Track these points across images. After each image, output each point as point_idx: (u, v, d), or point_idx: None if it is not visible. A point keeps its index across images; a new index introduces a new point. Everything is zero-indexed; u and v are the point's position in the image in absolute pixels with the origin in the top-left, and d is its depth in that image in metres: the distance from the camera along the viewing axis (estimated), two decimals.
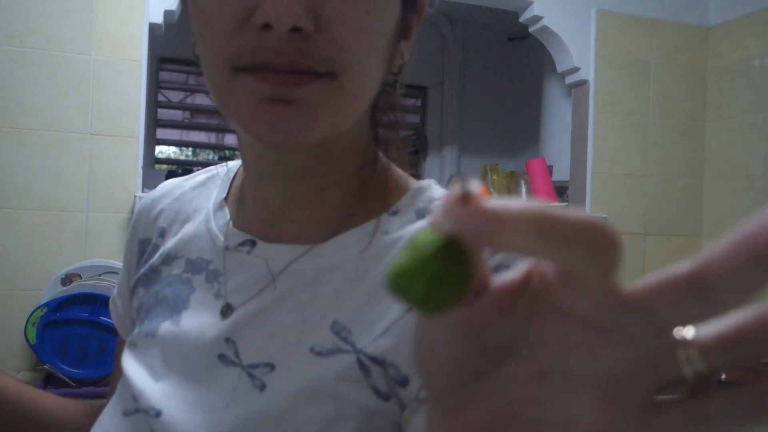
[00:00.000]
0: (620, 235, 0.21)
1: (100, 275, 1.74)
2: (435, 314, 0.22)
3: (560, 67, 2.36)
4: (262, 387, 0.51)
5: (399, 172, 0.61)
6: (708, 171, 2.47)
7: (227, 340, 0.54)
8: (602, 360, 0.23)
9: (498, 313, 0.24)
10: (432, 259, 0.22)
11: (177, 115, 2.82)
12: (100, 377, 1.56)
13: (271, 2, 0.43)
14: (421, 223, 0.54)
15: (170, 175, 2.12)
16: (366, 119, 0.57)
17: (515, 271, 0.25)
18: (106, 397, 1.49)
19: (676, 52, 2.43)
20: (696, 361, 0.25)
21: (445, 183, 2.47)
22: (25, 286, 1.75)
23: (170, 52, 2.64)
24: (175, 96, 2.79)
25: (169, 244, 0.63)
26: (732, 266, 0.20)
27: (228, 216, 0.61)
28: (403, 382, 0.49)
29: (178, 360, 0.55)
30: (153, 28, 1.87)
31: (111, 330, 1.57)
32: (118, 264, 1.78)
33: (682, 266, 0.21)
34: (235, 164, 0.67)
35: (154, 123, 2.68)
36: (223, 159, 3.02)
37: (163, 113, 2.76)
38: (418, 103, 3.07)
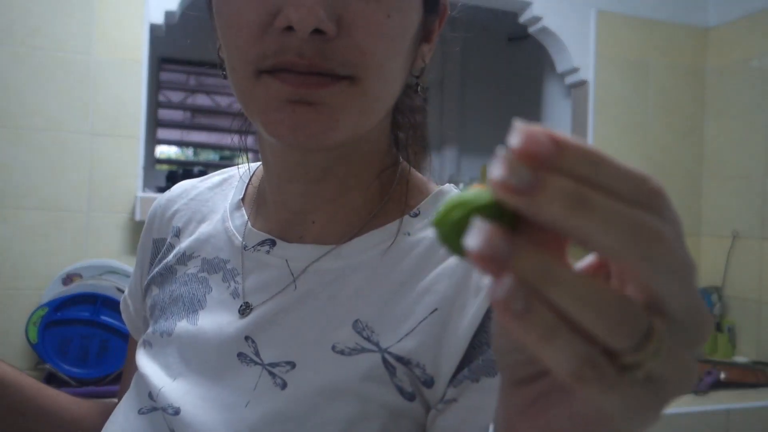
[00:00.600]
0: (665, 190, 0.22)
1: (101, 275, 1.75)
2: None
3: (560, 68, 2.36)
4: (284, 385, 0.51)
5: (419, 175, 0.61)
6: (707, 171, 2.47)
7: (247, 338, 0.54)
8: None
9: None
10: (485, 207, 0.24)
11: (177, 115, 2.82)
12: (100, 377, 1.57)
13: (294, 5, 0.44)
14: None
15: (171, 175, 2.12)
16: (387, 121, 0.58)
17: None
18: (106, 396, 1.50)
19: (676, 53, 2.44)
20: None
21: (445, 183, 2.46)
22: (25, 285, 1.75)
23: (171, 53, 2.64)
24: (176, 96, 2.79)
25: (184, 243, 0.64)
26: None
27: (245, 216, 0.62)
28: (429, 382, 0.49)
29: (195, 358, 0.56)
30: (154, 28, 1.88)
31: (112, 330, 1.57)
32: (119, 264, 1.78)
33: None
34: (252, 165, 0.67)
35: (154, 123, 2.68)
36: (224, 159, 3.02)
37: (164, 113, 2.76)
38: None
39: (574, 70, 2.32)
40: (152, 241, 0.68)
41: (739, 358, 2.23)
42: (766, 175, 2.23)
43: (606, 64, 2.33)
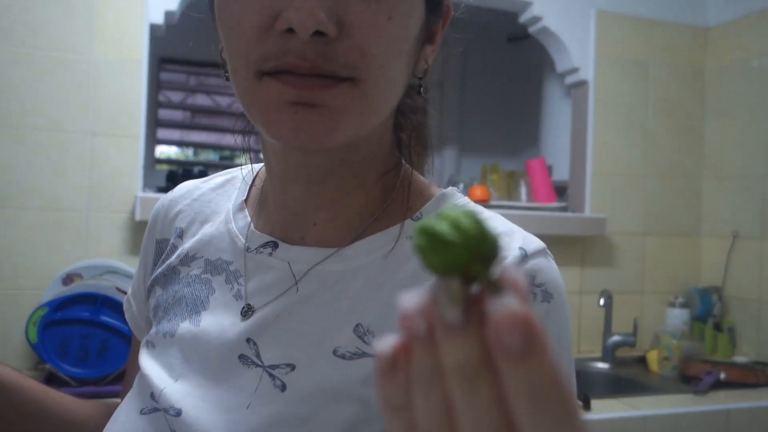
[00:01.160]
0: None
1: (101, 275, 1.75)
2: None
3: (560, 68, 2.36)
4: (283, 387, 0.51)
5: (421, 177, 0.61)
6: (707, 171, 2.47)
7: (248, 340, 0.54)
8: None
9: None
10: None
11: (177, 115, 2.82)
12: (100, 377, 1.57)
13: (294, 8, 0.44)
14: None
15: (171, 175, 2.12)
16: (389, 123, 0.58)
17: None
18: (106, 396, 1.50)
19: (676, 53, 2.44)
20: None
21: (445, 183, 2.48)
22: (26, 285, 1.75)
23: (171, 53, 2.64)
24: (176, 96, 2.79)
25: (187, 244, 0.64)
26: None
27: (248, 218, 0.62)
28: None
29: (197, 360, 0.56)
30: (154, 28, 1.88)
31: (112, 330, 1.57)
32: (119, 263, 1.78)
33: None
34: (255, 167, 0.67)
35: (154, 123, 2.68)
36: (224, 159, 3.02)
37: (164, 113, 2.77)
38: None
39: (574, 70, 2.33)
40: (155, 241, 0.69)
41: (739, 358, 2.23)
42: (766, 175, 2.23)
43: (606, 64, 2.33)
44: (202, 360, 0.56)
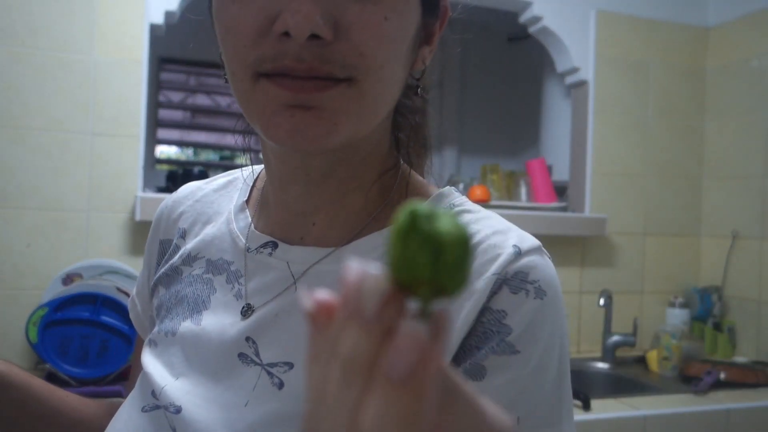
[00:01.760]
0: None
1: (101, 275, 1.75)
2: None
3: (560, 68, 2.36)
4: (281, 385, 0.52)
5: (419, 177, 0.62)
6: (707, 171, 2.47)
7: (248, 339, 0.55)
8: None
9: None
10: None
11: (177, 115, 2.82)
12: (100, 377, 1.57)
13: (291, 11, 0.44)
14: None
15: (171, 175, 2.12)
16: (388, 123, 0.58)
17: None
18: (106, 396, 1.50)
19: (675, 53, 2.44)
20: None
21: (445, 183, 2.47)
22: (26, 285, 1.75)
23: (171, 53, 2.64)
24: (176, 96, 2.79)
25: (189, 245, 0.64)
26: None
27: (249, 218, 0.62)
28: None
29: (198, 358, 0.56)
30: (154, 28, 1.88)
31: (112, 330, 1.57)
32: (119, 263, 1.78)
33: None
34: (256, 168, 0.68)
35: (154, 123, 2.68)
36: (224, 159, 3.02)
37: (164, 113, 2.77)
38: None
39: (574, 70, 2.33)
40: (159, 242, 0.70)
41: (739, 358, 2.23)
42: (766, 175, 2.23)
43: (606, 64, 2.33)
44: (203, 358, 0.56)
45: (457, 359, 0.49)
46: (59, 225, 1.78)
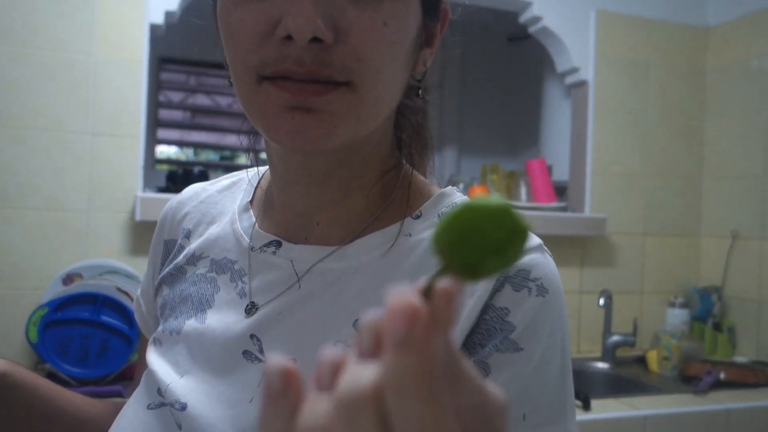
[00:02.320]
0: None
1: (101, 275, 1.75)
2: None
3: (560, 68, 2.36)
4: None
5: (421, 177, 0.62)
6: (707, 171, 2.47)
7: (252, 336, 0.56)
8: None
9: None
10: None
11: (177, 115, 2.82)
12: (100, 376, 1.57)
13: (292, 15, 0.45)
14: None
15: (171, 175, 2.12)
16: (389, 125, 0.59)
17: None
18: (106, 396, 1.50)
19: (675, 53, 2.44)
20: None
21: (445, 183, 2.47)
22: (26, 285, 1.75)
23: (171, 53, 2.64)
24: (176, 96, 2.79)
25: (194, 244, 0.65)
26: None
27: (253, 218, 0.63)
28: None
29: (203, 356, 0.57)
30: (154, 28, 1.88)
31: (112, 329, 1.57)
32: (119, 263, 1.78)
33: None
34: (261, 169, 0.70)
35: (154, 123, 2.68)
36: (224, 159, 3.02)
37: (164, 113, 2.77)
38: None
39: (574, 70, 2.33)
40: (163, 242, 0.71)
41: (739, 358, 2.23)
42: (766, 175, 2.23)
43: (606, 64, 2.33)
44: (207, 356, 0.57)
45: None
46: (59, 225, 1.78)
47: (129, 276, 1.77)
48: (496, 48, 3.11)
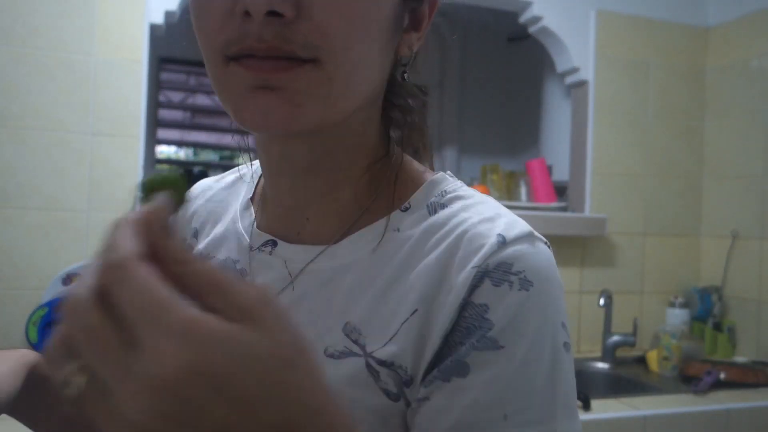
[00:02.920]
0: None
1: None
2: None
3: (560, 68, 2.36)
4: None
5: (414, 166, 0.59)
6: (707, 171, 2.47)
7: None
8: None
9: None
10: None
11: (177, 115, 2.82)
12: None
13: None
14: (432, 219, 0.53)
15: None
16: (374, 114, 0.57)
17: None
18: None
19: (675, 53, 2.44)
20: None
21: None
22: (26, 285, 1.75)
23: (171, 53, 2.64)
24: (176, 96, 2.79)
25: (201, 245, 0.65)
26: None
27: (253, 216, 0.63)
28: (408, 382, 0.49)
29: None
30: (154, 28, 1.88)
31: None
32: None
33: None
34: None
35: (154, 123, 2.68)
36: (224, 159, 3.02)
37: (164, 113, 2.77)
38: None
39: (574, 70, 2.33)
40: None
41: (739, 358, 2.23)
42: (766, 175, 2.23)
43: (606, 64, 2.33)
44: None
45: (441, 355, 0.48)
46: (59, 225, 1.78)
47: None
48: (496, 48, 3.11)
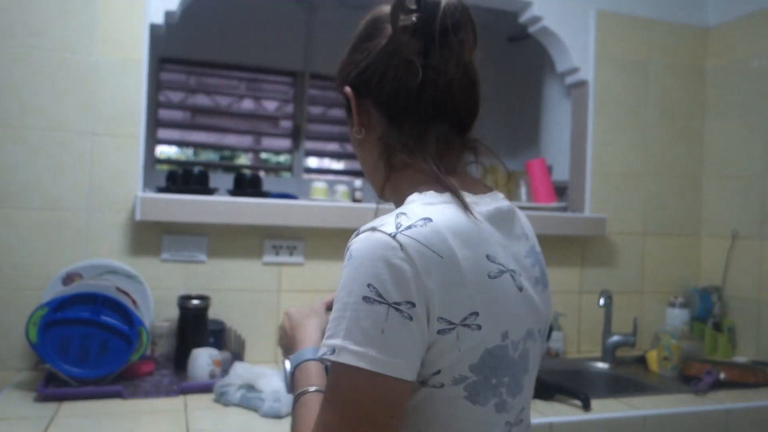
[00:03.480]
0: None
1: (101, 275, 1.75)
2: None
3: (560, 68, 2.36)
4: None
5: (410, 184, 0.81)
6: (707, 171, 2.47)
7: None
8: None
9: None
10: None
11: (177, 115, 2.82)
12: (100, 377, 1.57)
13: None
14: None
15: (171, 175, 2.12)
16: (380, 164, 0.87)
17: None
18: (106, 396, 1.50)
19: (675, 53, 2.44)
20: None
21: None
22: (26, 285, 1.75)
23: (171, 53, 2.64)
24: (176, 96, 2.79)
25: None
26: None
27: None
28: None
29: None
30: (154, 28, 1.88)
31: (112, 329, 1.57)
32: (119, 263, 1.78)
33: None
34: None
35: (154, 123, 2.68)
36: (224, 159, 3.02)
37: (164, 113, 2.77)
38: None
39: (574, 70, 2.33)
40: None
41: (739, 358, 2.23)
42: (766, 175, 2.23)
43: (606, 64, 2.33)
44: None
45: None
46: (59, 225, 1.78)
47: (129, 276, 1.77)
48: (496, 48, 3.12)
